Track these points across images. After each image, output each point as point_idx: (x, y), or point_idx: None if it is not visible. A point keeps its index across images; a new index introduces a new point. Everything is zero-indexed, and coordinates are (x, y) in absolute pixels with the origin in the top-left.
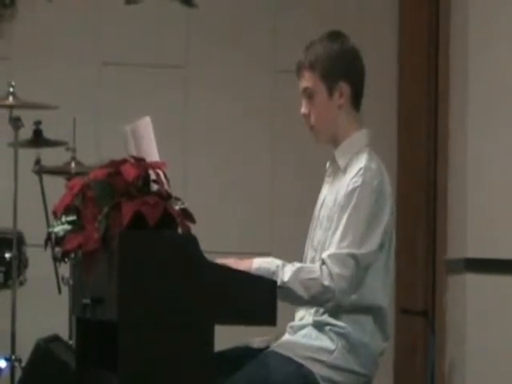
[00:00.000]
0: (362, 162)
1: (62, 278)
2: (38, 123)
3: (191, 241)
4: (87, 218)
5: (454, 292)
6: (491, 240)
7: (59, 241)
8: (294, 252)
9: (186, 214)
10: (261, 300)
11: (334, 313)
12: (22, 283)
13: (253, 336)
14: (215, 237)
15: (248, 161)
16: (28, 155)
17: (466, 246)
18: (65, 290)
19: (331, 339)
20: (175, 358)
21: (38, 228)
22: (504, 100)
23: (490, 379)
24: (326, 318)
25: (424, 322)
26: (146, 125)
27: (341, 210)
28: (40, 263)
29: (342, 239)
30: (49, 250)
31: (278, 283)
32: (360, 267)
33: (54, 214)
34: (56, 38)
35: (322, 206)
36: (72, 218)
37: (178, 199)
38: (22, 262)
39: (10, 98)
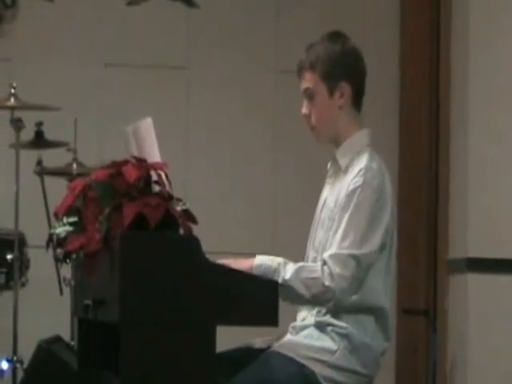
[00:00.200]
0: (363, 161)
1: (64, 279)
2: (39, 124)
3: (193, 242)
4: (89, 219)
5: (455, 292)
6: (493, 240)
7: (61, 242)
8: (295, 253)
9: (188, 215)
10: (263, 301)
11: (336, 313)
12: (23, 284)
13: (255, 336)
14: (216, 238)
15: (250, 161)
16: (29, 156)
17: (468, 246)
18: (66, 291)
19: (333, 339)
20: (176, 359)
21: (39, 229)
22: (505, 102)
23: (491, 379)
24: (327, 318)
25: (425, 322)
26: (147, 126)
27: (342, 210)
28: (42, 264)
29: (342, 239)
30: (50, 251)
31: (280, 281)
32: (361, 267)
33: (56, 215)
34: (57, 39)
35: (323, 206)
36: (73, 219)
37: (179, 200)
38: (23, 263)
39: (12, 99)
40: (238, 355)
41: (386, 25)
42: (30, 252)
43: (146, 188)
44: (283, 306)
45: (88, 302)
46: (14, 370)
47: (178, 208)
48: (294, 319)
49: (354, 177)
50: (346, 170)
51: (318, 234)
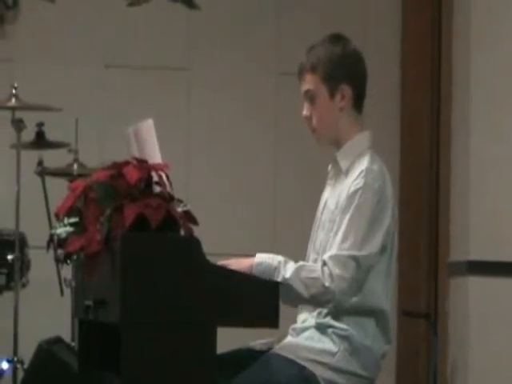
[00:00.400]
0: (364, 163)
1: (65, 280)
2: (40, 125)
3: (194, 243)
4: (89, 219)
5: (456, 294)
6: (494, 242)
7: (61, 243)
8: (296, 254)
9: (189, 216)
10: (263, 302)
11: (337, 315)
12: (24, 285)
13: (255, 338)
14: (217, 239)
15: (251, 163)
16: (30, 157)
17: (469, 249)
18: (67, 291)
19: (333, 341)
20: (177, 360)
21: (40, 230)
22: (507, 103)
23: (492, 381)
24: (328, 320)
25: (426, 325)
26: (148, 127)
27: (342, 212)
28: (42, 265)
29: (343, 241)
30: (51, 251)
31: (280, 279)
32: (361, 269)
33: (57, 215)
34: (58, 39)
35: (323, 208)
36: (74, 219)
37: (180, 201)
38: (24, 264)
39: (13, 100)
40: (239, 357)
41: (386, 26)
42: (31, 253)
43: (146, 189)
44: (284, 308)
45: (89, 302)
46: (14, 370)
47: (179, 209)
48: (295, 321)
49: (355, 179)
50: (347, 172)
51: (318, 236)
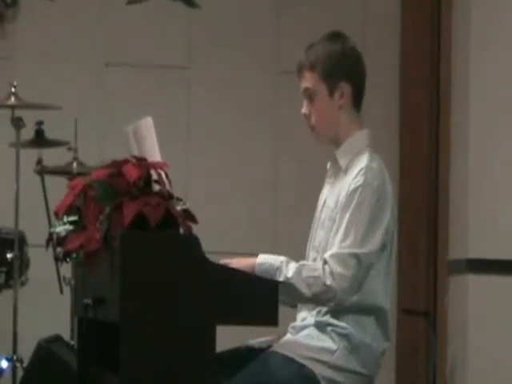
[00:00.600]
0: (363, 161)
1: (64, 278)
2: (39, 123)
3: (193, 241)
4: (89, 218)
5: (455, 292)
6: (493, 241)
7: (61, 241)
8: (296, 253)
9: (188, 215)
10: (262, 300)
11: (336, 313)
12: (23, 283)
13: (254, 336)
14: (217, 237)
15: (250, 161)
16: (30, 155)
17: (468, 247)
18: (66, 290)
19: (333, 340)
20: (176, 359)
21: (39, 228)
22: (506, 102)
23: (491, 379)
24: (327, 318)
25: (426, 323)
26: (147, 125)
27: (342, 210)
28: (42, 263)
29: (343, 239)
30: (50, 250)
31: (282, 279)
32: (362, 267)
33: (56, 214)
34: (58, 38)
35: (323, 207)
36: (74, 218)
37: (179, 199)
38: (23, 262)
39: (12, 98)
40: (238, 355)
41: (386, 25)
42: (30, 251)
43: (146, 187)
44: (283, 306)
45: (88, 301)
46: (13, 369)
47: (178, 207)
48: (294, 319)
49: (355, 177)
50: (346, 170)
51: (318, 235)
